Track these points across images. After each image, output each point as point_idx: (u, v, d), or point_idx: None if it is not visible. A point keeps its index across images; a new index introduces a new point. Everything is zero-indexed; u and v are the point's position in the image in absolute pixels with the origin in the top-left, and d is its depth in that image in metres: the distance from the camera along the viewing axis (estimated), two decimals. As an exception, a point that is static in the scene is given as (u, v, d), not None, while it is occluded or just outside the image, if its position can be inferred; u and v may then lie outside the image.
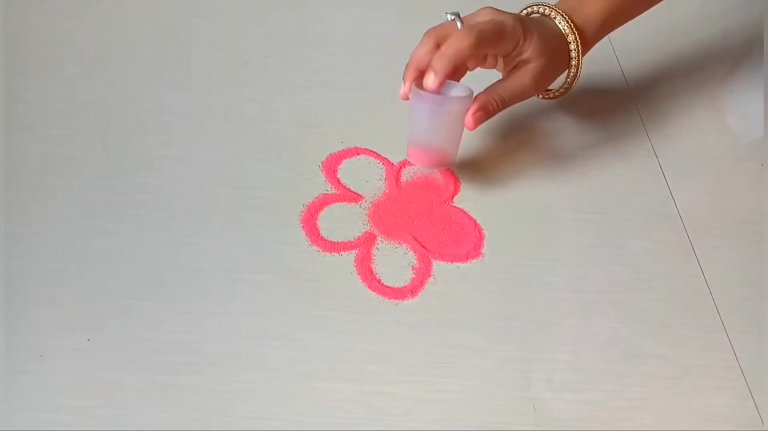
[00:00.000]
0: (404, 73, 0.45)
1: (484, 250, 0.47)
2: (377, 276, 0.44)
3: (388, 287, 0.44)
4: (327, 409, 0.39)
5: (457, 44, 0.42)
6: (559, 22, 0.47)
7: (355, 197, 0.48)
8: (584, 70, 0.48)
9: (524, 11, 0.49)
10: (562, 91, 0.50)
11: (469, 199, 0.49)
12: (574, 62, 0.48)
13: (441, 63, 0.43)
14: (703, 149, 0.56)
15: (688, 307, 0.46)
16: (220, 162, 0.49)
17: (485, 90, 0.46)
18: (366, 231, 0.46)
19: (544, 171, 0.52)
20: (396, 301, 0.43)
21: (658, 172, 0.53)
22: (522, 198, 0.50)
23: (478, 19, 0.45)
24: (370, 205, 0.48)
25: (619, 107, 0.58)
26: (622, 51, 0.61)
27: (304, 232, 0.46)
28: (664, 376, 0.43)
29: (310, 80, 0.55)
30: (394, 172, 0.50)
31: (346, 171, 0.50)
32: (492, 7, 0.45)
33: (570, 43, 0.47)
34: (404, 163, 0.51)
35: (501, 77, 0.47)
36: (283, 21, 0.60)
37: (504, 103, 0.45)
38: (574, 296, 0.45)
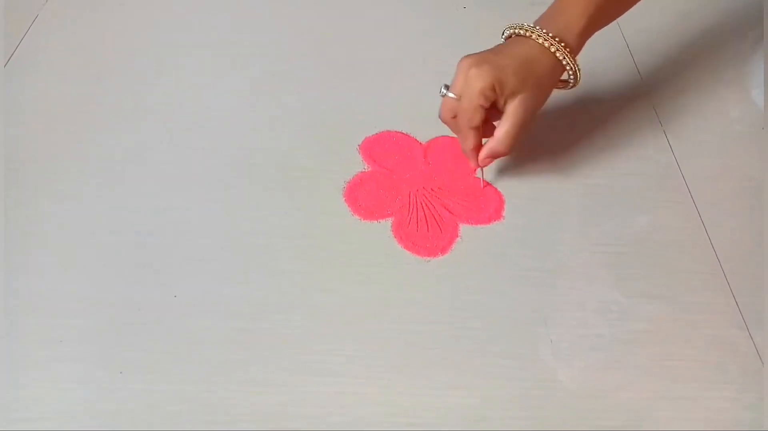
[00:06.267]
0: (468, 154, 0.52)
1: (504, 213, 0.53)
2: (411, 238, 0.51)
3: (421, 246, 0.51)
4: (370, 342, 0.45)
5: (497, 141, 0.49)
6: (537, 38, 0.49)
7: (388, 173, 0.55)
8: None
9: (504, 35, 0.51)
10: (571, 85, 0.53)
11: (490, 171, 0.56)
12: (568, 66, 0.50)
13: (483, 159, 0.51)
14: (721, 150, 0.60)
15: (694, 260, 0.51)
16: (272, 147, 0.57)
17: (492, 138, 0.50)
18: (400, 201, 0.53)
19: (559, 160, 0.58)
20: (428, 258, 0.50)
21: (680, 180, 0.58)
22: (539, 170, 0.56)
23: (469, 84, 0.47)
24: (402, 179, 0.55)
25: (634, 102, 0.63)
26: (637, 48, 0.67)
27: (347, 204, 0.53)
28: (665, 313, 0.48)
29: (344, 74, 0.64)
30: (422, 149, 0.57)
31: (379, 151, 0.57)
32: (470, 64, 0.48)
33: (555, 51, 0.49)
34: (431, 142, 0.57)
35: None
36: (318, 21, 0.69)
37: (513, 146, 0.49)
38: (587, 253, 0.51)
